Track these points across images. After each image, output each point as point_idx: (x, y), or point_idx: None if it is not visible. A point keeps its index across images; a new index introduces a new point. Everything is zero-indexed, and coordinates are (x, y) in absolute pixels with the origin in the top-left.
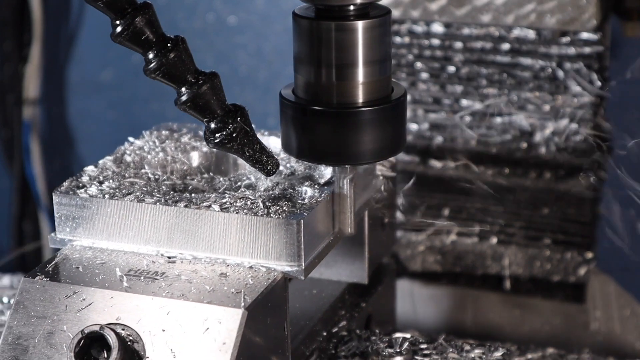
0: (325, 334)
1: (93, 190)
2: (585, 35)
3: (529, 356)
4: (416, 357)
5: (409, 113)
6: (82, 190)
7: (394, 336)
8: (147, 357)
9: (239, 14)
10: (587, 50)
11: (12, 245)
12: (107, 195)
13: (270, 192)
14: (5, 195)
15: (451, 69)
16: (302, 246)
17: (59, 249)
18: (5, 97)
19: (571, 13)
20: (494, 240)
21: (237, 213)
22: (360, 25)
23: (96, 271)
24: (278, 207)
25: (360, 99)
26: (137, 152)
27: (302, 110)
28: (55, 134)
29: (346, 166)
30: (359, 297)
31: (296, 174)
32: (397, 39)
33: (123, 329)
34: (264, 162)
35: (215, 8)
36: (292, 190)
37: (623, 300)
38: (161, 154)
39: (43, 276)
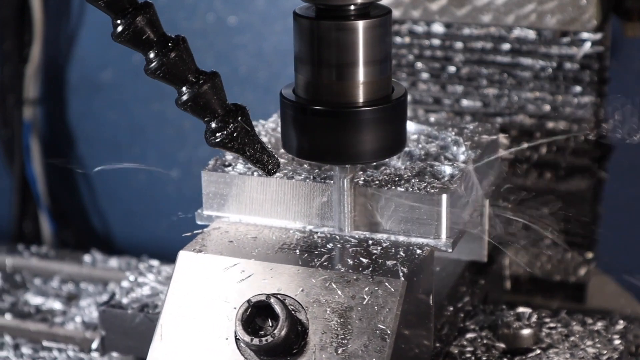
0: (451, 308)
1: (240, 167)
2: (585, 35)
3: None
4: (544, 329)
5: (409, 113)
6: (229, 167)
7: (519, 310)
8: (311, 325)
9: (239, 14)
10: (587, 50)
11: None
12: (255, 173)
13: (411, 170)
14: (5, 195)
15: (451, 69)
16: (448, 221)
17: (205, 226)
18: (5, 97)
19: (571, 13)
20: None
21: (386, 188)
22: (360, 25)
23: (250, 244)
24: (424, 183)
25: (361, 99)
26: (271, 133)
27: (302, 109)
28: (55, 134)
29: (346, 166)
30: (476, 274)
31: (430, 154)
32: (398, 39)
33: (285, 299)
34: (265, 161)
35: (215, 8)
36: (431, 169)
37: (623, 300)
38: None
39: (200, 250)
